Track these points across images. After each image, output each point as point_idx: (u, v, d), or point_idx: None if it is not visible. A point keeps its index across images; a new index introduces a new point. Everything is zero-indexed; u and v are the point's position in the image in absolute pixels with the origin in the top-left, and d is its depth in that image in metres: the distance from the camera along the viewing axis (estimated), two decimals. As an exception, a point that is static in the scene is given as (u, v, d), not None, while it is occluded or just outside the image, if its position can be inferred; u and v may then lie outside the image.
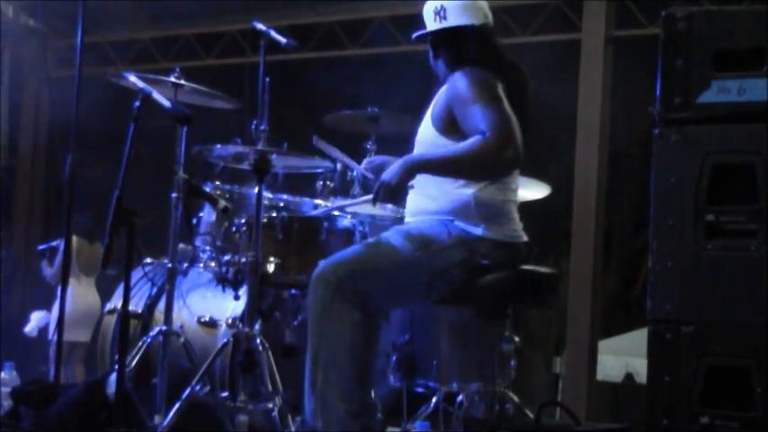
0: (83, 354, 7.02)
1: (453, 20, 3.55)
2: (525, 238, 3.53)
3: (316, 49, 7.58)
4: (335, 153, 3.72)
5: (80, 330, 6.83)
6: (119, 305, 4.31)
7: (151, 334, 4.11)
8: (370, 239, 3.51)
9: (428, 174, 3.38)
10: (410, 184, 3.37)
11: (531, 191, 4.59)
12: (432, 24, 3.58)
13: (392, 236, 3.43)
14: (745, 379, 2.58)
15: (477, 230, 3.39)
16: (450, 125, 3.39)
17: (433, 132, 3.44)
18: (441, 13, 3.56)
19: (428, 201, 3.46)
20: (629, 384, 10.12)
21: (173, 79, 4.37)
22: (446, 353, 3.87)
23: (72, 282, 6.61)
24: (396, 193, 3.35)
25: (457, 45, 3.54)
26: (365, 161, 3.82)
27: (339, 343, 3.27)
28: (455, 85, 3.39)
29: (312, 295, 3.33)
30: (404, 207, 3.65)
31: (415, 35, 3.65)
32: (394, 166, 3.35)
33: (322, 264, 3.37)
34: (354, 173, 4.24)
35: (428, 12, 3.59)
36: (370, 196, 3.46)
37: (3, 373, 5.05)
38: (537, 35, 6.96)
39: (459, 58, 3.50)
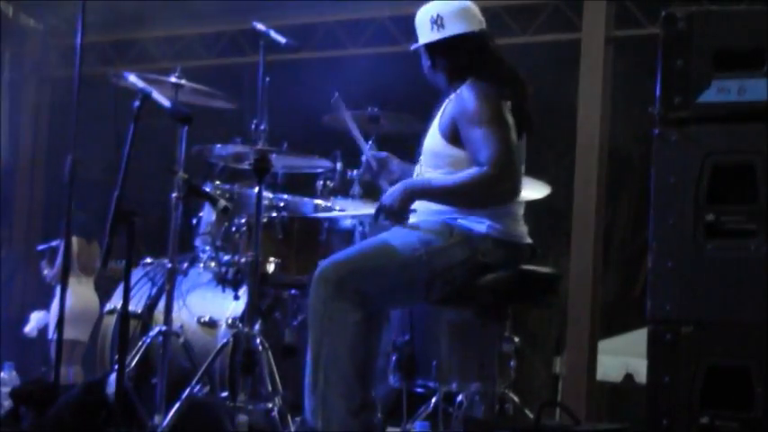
0: (82, 353, 7.02)
1: (451, 28, 3.49)
2: (529, 240, 3.53)
3: (316, 49, 7.58)
4: (351, 124, 3.73)
5: (79, 330, 6.83)
6: (118, 305, 4.31)
7: (151, 334, 4.11)
8: (372, 238, 3.51)
9: (427, 200, 3.42)
10: (412, 208, 3.41)
11: (531, 191, 4.59)
12: (428, 34, 3.50)
13: (393, 235, 3.43)
14: (745, 379, 2.58)
15: (481, 228, 3.39)
16: (456, 139, 3.39)
17: (442, 142, 3.43)
18: (437, 21, 3.48)
19: None
20: (629, 384, 10.12)
21: (173, 79, 4.37)
22: (446, 353, 3.87)
23: (71, 281, 6.61)
24: (395, 216, 3.42)
25: (456, 55, 3.49)
26: (369, 147, 3.83)
27: (340, 342, 3.27)
28: (462, 102, 3.38)
29: (313, 294, 3.33)
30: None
31: (413, 47, 3.58)
32: (395, 190, 3.39)
33: (323, 263, 3.37)
34: (355, 172, 4.25)
35: (422, 20, 3.52)
36: (371, 211, 3.51)
37: (3, 373, 5.05)
38: (537, 35, 6.95)
39: (460, 68, 3.46)
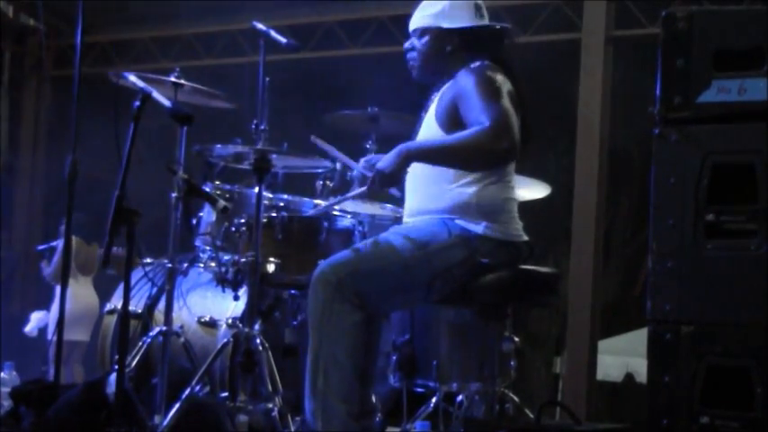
0: (81, 353, 7.02)
1: (488, 19, 3.56)
2: (526, 237, 3.53)
3: (316, 49, 7.59)
4: (334, 152, 3.72)
5: (78, 330, 6.83)
6: (119, 305, 4.32)
7: (151, 334, 4.12)
8: (370, 239, 3.51)
9: (424, 162, 3.36)
10: (407, 170, 3.33)
11: (531, 191, 4.59)
12: (470, 18, 3.52)
13: (392, 236, 3.43)
14: (745, 379, 2.58)
15: (478, 228, 3.39)
16: (455, 122, 3.37)
17: (438, 131, 3.43)
18: (480, 9, 3.54)
19: (429, 200, 3.45)
20: (629, 384, 10.12)
21: (173, 79, 4.37)
22: (446, 353, 3.87)
23: (70, 281, 6.62)
24: (391, 181, 3.33)
25: (484, 44, 3.51)
26: (362, 160, 3.82)
27: (340, 344, 3.26)
28: (460, 83, 3.38)
29: (312, 296, 3.32)
30: (402, 191, 3.61)
31: (445, 26, 3.51)
32: (389, 154, 3.32)
33: (322, 264, 3.37)
34: (354, 172, 4.24)
35: (459, 5, 3.52)
36: (364, 189, 3.43)
37: (3, 373, 5.05)
38: (537, 35, 6.96)
39: (479, 58, 3.47)
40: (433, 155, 3.33)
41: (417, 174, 3.50)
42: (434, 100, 3.51)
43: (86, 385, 4.10)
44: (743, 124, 2.67)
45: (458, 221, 3.40)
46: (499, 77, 3.40)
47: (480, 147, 3.21)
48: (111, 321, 4.80)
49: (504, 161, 3.35)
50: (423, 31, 3.57)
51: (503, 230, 3.43)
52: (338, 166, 4.35)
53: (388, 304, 3.52)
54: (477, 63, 3.45)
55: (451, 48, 3.52)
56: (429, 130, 3.48)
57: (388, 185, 3.36)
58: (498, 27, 3.60)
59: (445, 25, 3.52)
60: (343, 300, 3.27)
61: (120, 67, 7.56)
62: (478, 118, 3.23)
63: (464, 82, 3.37)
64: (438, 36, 3.54)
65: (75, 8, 4.38)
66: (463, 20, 3.52)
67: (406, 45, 3.63)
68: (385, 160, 3.32)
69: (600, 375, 7.93)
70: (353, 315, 3.27)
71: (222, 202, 3.87)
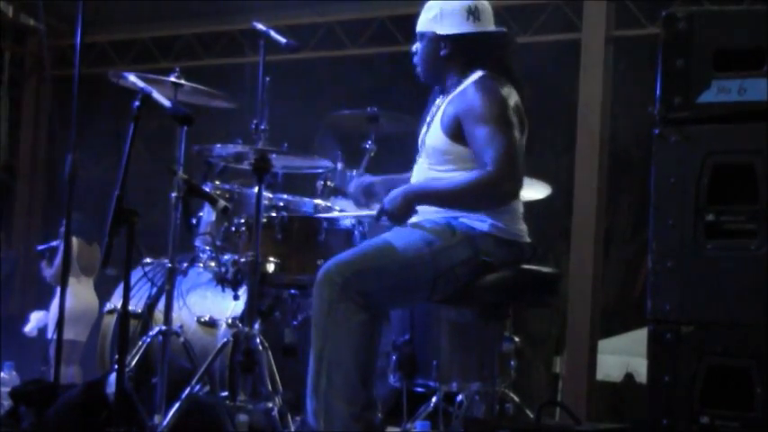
0: (79, 353, 7.02)
1: (486, 23, 3.52)
2: (528, 239, 3.53)
3: (316, 49, 7.58)
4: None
5: (78, 330, 6.83)
6: (118, 305, 4.32)
7: (151, 334, 4.12)
8: (375, 239, 3.52)
9: (428, 205, 3.43)
10: (414, 213, 3.42)
11: (531, 191, 4.59)
12: (462, 24, 3.48)
13: (396, 235, 3.43)
14: (745, 379, 2.58)
15: (483, 226, 3.39)
16: (458, 136, 3.39)
17: (444, 140, 3.43)
18: (474, 13, 3.48)
19: None
20: (629, 384, 10.12)
21: (173, 79, 4.37)
22: (446, 353, 3.87)
23: (71, 281, 6.61)
24: (397, 221, 3.44)
25: (482, 50, 3.48)
26: (353, 183, 3.88)
27: (344, 344, 3.26)
28: (467, 99, 3.38)
29: (317, 296, 3.32)
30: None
31: (439, 32, 3.48)
32: (396, 195, 3.39)
33: (326, 264, 3.36)
34: (354, 172, 4.28)
35: (454, 9, 3.47)
36: (372, 212, 3.54)
37: (3, 373, 5.05)
38: (537, 35, 6.95)
39: (477, 63, 3.46)
40: (438, 199, 3.42)
41: (422, 173, 3.51)
42: (441, 106, 3.50)
43: (86, 385, 4.10)
44: (743, 124, 2.67)
45: (462, 220, 3.40)
46: (505, 91, 3.39)
47: (483, 193, 3.30)
48: (110, 321, 4.80)
49: (506, 203, 3.41)
50: (421, 35, 3.58)
51: (507, 229, 3.44)
52: (338, 166, 4.36)
53: (393, 303, 3.53)
54: (481, 74, 3.43)
55: (446, 53, 3.50)
56: (436, 138, 3.47)
57: (393, 224, 3.47)
58: (496, 32, 3.55)
59: (438, 31, 3.51)
60: (348, 299, 3.27)
61: (120, 67, 7.56)
62: (482, 154, 3.27)
63: (471, 99, 3.37)
64: (432, 41, 3.53)
65: (75, 8, 4.38)
66: (454, 26, 3.48)
67: (413, 48, 3.63)
68: (392, 201, 3.40)
69: (600, 375, 7.92)
70: (358, 315, 3.27)
71: (222, 202, 3.87)
